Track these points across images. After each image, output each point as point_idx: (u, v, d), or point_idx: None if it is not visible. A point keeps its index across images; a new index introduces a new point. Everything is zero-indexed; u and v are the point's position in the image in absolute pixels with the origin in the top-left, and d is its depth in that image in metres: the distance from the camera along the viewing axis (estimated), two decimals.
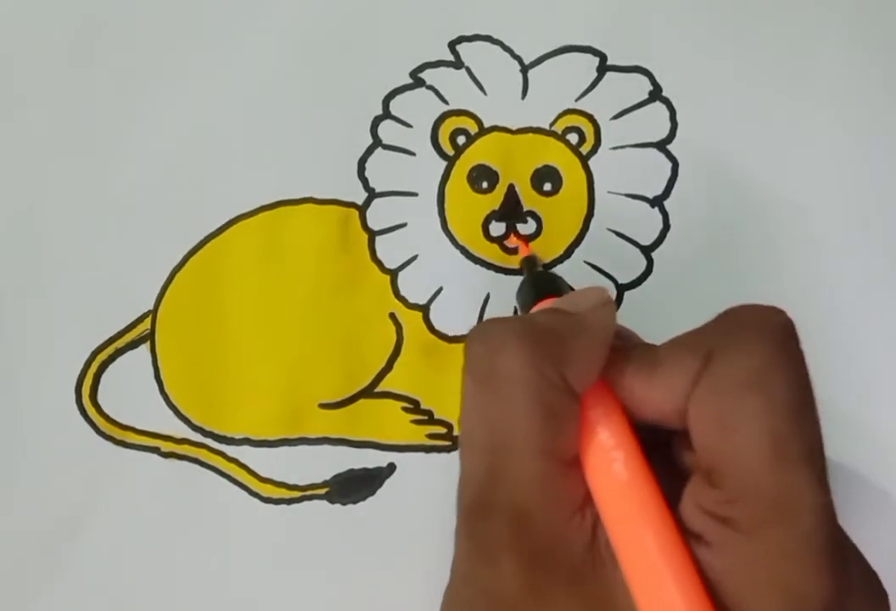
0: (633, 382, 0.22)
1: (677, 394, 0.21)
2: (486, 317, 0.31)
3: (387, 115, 0.32)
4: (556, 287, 0.28)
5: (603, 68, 0.32)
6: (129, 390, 0.31)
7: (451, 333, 0.32)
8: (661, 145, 0.32)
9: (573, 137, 0.32)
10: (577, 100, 0.32)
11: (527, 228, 0.32)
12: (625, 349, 0.23)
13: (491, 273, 0.32)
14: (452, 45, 0.32)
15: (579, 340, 0.22)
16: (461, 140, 0.32)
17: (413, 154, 0.32)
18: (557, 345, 0.22)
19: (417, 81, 0.32)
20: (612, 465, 0.22)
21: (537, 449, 0.21)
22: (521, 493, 0.21)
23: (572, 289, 0.28)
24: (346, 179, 0.32)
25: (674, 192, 0.32)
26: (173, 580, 0.31)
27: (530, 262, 0.30)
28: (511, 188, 0.32)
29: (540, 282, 0.28)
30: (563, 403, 0.22)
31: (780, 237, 0.32)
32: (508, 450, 0.21)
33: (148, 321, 0.32)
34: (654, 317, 0.31)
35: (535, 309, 0.27)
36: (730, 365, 0.21)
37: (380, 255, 0.32)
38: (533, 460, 0.21)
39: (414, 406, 0.31)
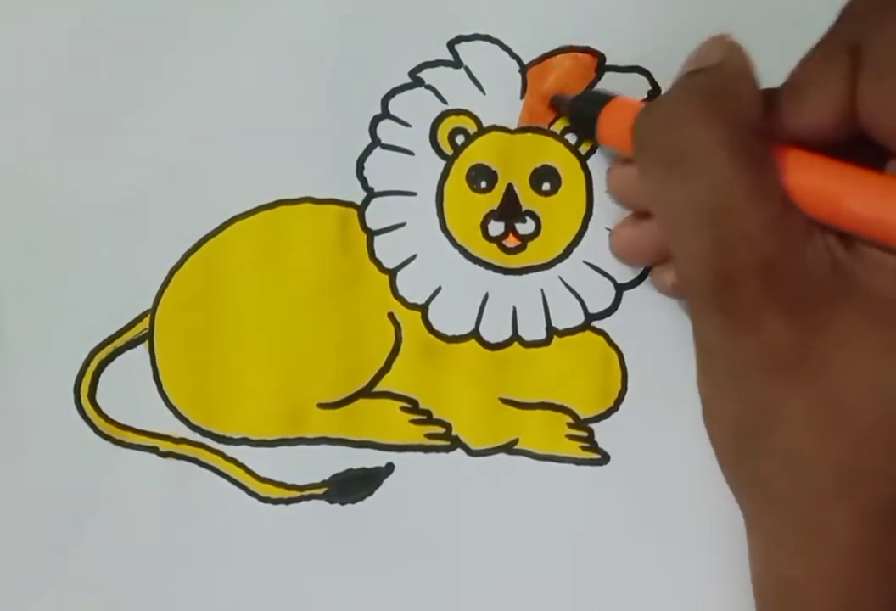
0: (785, 109, 0.23)
1: (836, 97, 0.22)
2: (484, 317, 0.31)
3: (385, 114, 0.32)
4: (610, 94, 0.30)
5: (602, 68, 0.32)
6: (128, 390, 0.31)
7: (449, 333, 0.32)
8: None
9: (572, 137, 0.32)
10: None
11: (526, 227, 0.32)
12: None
13: (490, 273, 0.32)
14: (451, 45, 0.32)
15: (741, 86, 0.23)
16: (460, 139, 0.32)
17: (412, 153, 0.32)
18: (731, 99, 0.23)
19: (416, 81, 0.32)
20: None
21: (758, 199, 0.22)
22: (758, 243, 0.22)
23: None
24: (344, 178, 0.32)
25: None
26: (172, 580, 0.31)
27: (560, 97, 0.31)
28: (510, 188, 0.32)
29: (594, 94, 0.31)
30: (761, 149, 0.23)
31: None
32: (729, 212, 0.22)
33: (146, 321, 0.32)
34: (654, 316, 0.32)
35: (604, 112, 0.29)
36: (891, 44, 0.21)
37: (378, 254, 0.32)
38: (758, 210, 0.22)
39: (412, 406, 0.31)
